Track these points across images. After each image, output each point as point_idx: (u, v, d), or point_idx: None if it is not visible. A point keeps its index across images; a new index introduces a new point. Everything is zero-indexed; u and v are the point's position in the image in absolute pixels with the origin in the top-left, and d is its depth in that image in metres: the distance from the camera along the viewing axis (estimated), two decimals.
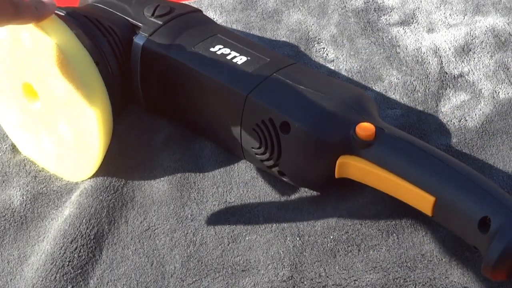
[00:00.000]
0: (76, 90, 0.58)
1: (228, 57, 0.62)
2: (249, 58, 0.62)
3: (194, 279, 0.56)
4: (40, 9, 0.54)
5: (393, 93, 0.71)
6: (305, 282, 0.55)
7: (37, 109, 0.62)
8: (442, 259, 0.56)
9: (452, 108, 0.69)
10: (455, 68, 0.73)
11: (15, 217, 0.61)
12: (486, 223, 0.52)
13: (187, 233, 0.59)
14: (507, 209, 0.51)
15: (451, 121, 0.68)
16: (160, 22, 0.65)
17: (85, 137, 0.60)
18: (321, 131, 0.58)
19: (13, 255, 0.59)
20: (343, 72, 0.74)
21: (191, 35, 0.65)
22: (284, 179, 0.62)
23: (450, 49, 0.75)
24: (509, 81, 0.71)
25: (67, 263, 0.57)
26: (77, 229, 0.59)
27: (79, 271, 0.57)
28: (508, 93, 0.70)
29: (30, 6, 0.52)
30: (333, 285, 0.55)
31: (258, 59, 0.62)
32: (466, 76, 0.72)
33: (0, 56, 0.61)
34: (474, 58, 0.74)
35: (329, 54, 0.76)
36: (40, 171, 0.65)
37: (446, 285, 0.55)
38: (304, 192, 0.62)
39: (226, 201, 0.62)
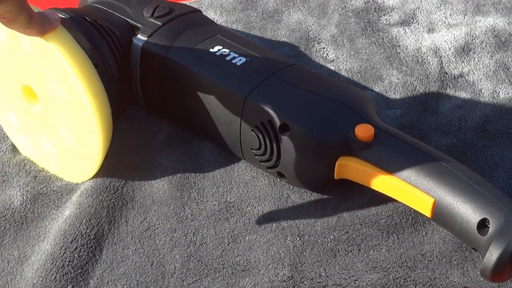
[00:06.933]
0: (75, 93, 0.58)
1: (228, 58, 0.62)
2: (248, 59, 0.62)
3: (194, 279, 0.56)
4: (45, 24, 0.55)
5: (393, 93, 0.71)
6: (305, 282, 0.55)
7: (37, 111, 0.62)
8: (442, 259, 0.56)
9: (452, 108, 0.69)
10: (455, 68, 0.73)
11: (15, 217, 0.61)
12: (485, 225, 0.52)
13: (187, 233, 0.59)
14: (506, 211, 0.51)
15: (451, 121, 0.68)
16: (159, 23, 0.65)
17: (85, 139, 0.60)
18: (320, 133, 0.58)
19: (13, 255, 0.59)
20: (343, 72, 0.74)
21: (190, 36, 0.65)
22: (284, 180, 0.62)
23: (450, 49, 0.75)
24: (509, 81, 0.71)
25: (67, 263, 0.57)
26: (77, 229, 0.59)
27: (79, 271, 0.57)
28: (508, 93, 0.70)
29: (38, 20, 0.54)
30: (333, 285, 0.55)
31: (258, 60, 0.62)
32: (466, 76, 0.72)
33: (0, 58, 0.61)
34: (474, 58, 0.74)
35: (329, 54, 0.76)
36: (40, 171, 0.65)
37: (446, 285, 0.55)
38: (304, 192, 0.62)
39: (226, 201, 0.62)
